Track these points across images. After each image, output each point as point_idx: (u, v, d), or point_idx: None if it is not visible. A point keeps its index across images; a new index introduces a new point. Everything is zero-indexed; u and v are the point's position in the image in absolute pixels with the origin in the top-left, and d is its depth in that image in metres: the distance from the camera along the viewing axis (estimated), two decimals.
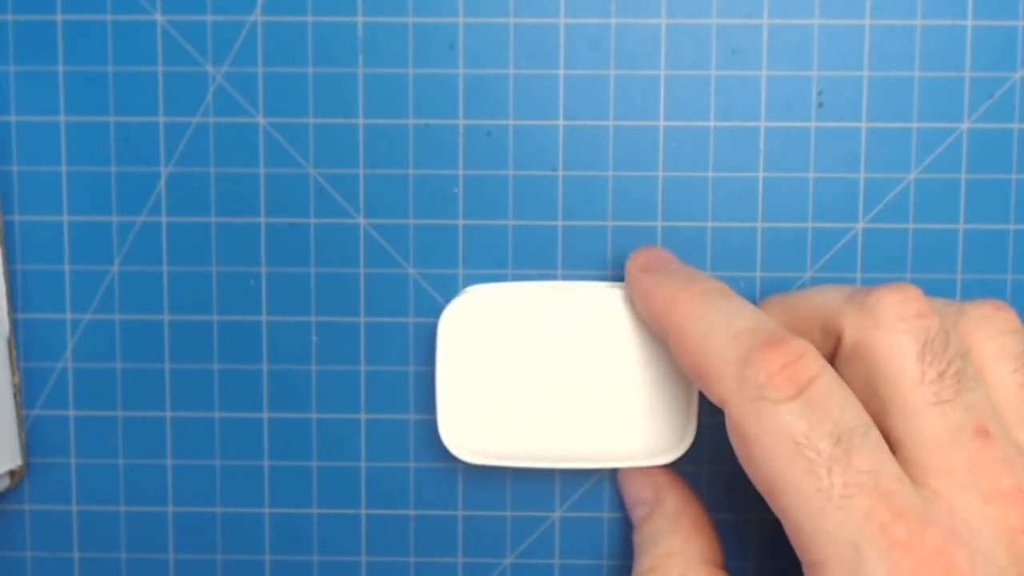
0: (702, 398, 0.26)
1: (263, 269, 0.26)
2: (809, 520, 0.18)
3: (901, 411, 0.19)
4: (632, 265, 0.23)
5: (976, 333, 0.21)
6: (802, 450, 0.18)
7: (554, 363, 0.24)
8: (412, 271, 0.26)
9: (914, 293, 0.20)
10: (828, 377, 0.19)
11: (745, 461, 0.19)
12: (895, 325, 0.19)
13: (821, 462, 0.18)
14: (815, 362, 0.19)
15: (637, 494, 0.25)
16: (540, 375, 0.24)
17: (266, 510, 0.27)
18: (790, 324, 0.22)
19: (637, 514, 0.25)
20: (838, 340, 0.21)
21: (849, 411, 0.18)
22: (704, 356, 0.20)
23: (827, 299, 0.21)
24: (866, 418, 0.19)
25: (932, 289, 0.26)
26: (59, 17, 0.26)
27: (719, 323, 0.20)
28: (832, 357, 0.21)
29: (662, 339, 0.22)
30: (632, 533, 0.25)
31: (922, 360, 0.19)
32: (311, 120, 0.26)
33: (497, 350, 0.24)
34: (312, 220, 0.26)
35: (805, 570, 0.19)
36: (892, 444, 0.19)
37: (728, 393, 0.19)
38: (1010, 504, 0.18)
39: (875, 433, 0.18)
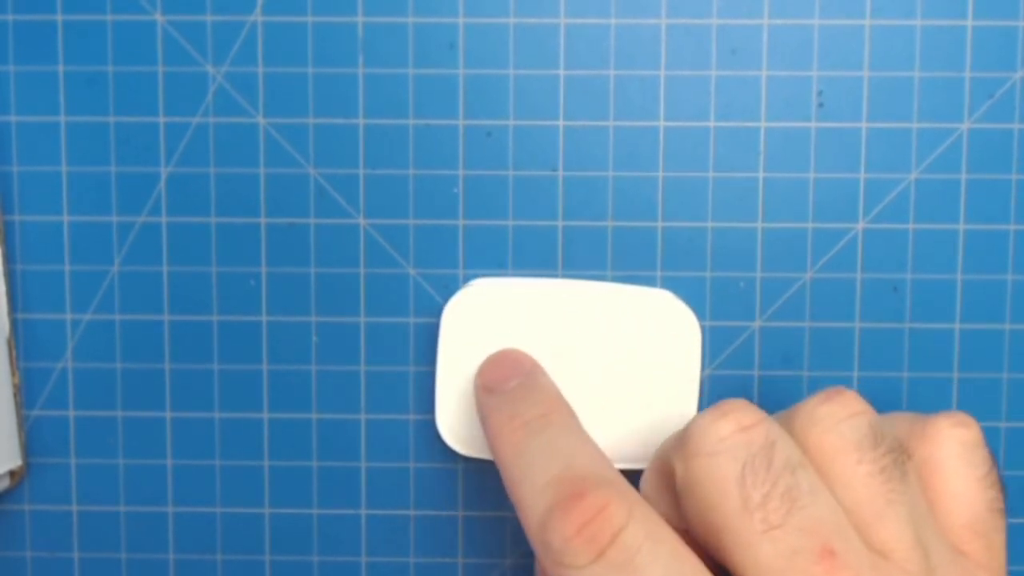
0: (702, 399, 0.26)
1: (263, 269, 0.26)
2: None
3: (733, 542, 0.17)
4: (478, 381, 0.23)
5: (812, 428, 0.18)
6: None
7: (554, 360, 0.24)
8: (412, 271, 0.26)
9: (735, 406, 0.18)
10: (634, 528, 0.17)
11: None
12: (714, 448, 0.18)
13: None
14: (618, 513, 0.17)
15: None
16: None
17: (266, 510, 0.27)
18: (662, 482, 0.20)
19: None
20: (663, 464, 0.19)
21: (659, 565, 0.17)
22: (518, 505, 0.19)
23: (665, 443, 0.20)
24: (686, 566, 0.17)
25: (932, 290, 0.26)
26: (59, 17, 0.26)
27: (528, 470, 0.19)
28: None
29: None
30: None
31: (742, 484, 0.17)
32: (311, 120, 0.26)
33: (498, 344, 0.24)
34: (312, 220, 0.26)
35: None
36: (735, 574, 0.18)
37: (537, 553, 0.18)
38: None
39: None
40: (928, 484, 0.19)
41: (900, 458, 0.18)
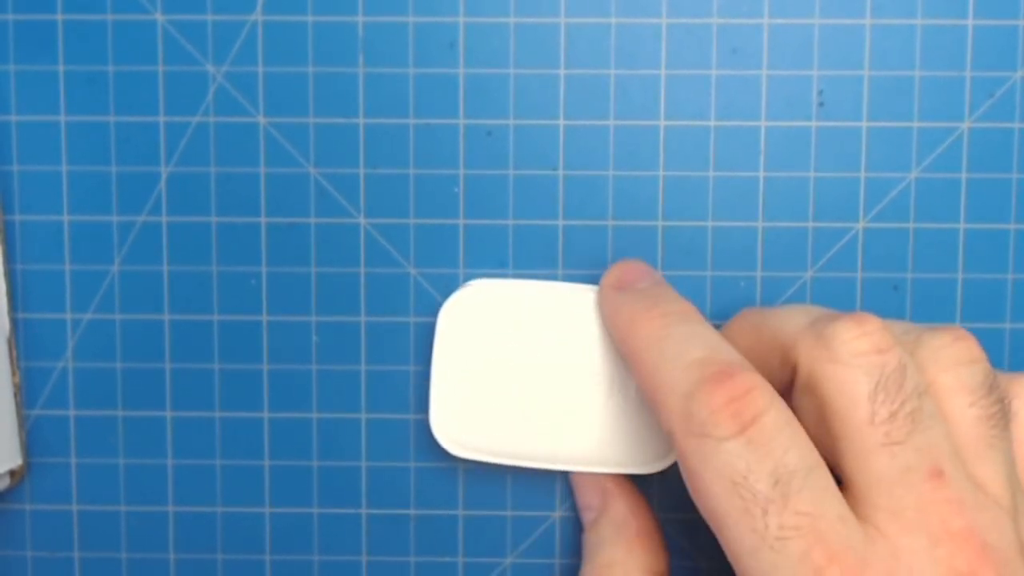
0: None
1: (263, 269, 0.26)
2: (745, 559, 0.18)
3: (851, 449, 0.19)
4: (605, 281, 0.23)
5: (933, 365, 0.20)
6: (739, 490, 0.18)
7: (551, 361, 0.24)
8: (412, 271, 0.26)
9: (873, 325, 0.19)
10: (775, 414, 0.18)
11: (692, 493, 0.19)
12: (850, 360, 0.19)
13: (757, 503, 0.17)
14: (762, 398, 0.18)
15: (585, 499, 0.25)
16: (536, 373, 0.24)
17: (266, 510, 0.27)
18: (753, 347, 0.22)
19: (586, 518, 0.25)
20: (795, 369, 0.20)
21: (793, 451, 0.18)
22: (655, 385, 0.20)
23: (788, 324, 0.21)
24: (812, 458, 0.18)
25: (932, 290, 0.26)
26: (59, 17, 0.26)
27: (672, 351, 0.20)
28: (790, 385, 0.21)
29: (625, 361, 0.22)
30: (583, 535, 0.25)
31: (874, 399, 0.18)
32: (311, 120, 0.26)
33: (494, 345, 0.24)
34: (312, 220, 0.26)
35: None
36: (843, 480, 0.19)
37: (674, 426, 0.19)
38: (958, 546, 0.17)
39: (820, 473, 0.18)
40: (1015, 433, 0.20)
41: (1005, 408, 0.20)
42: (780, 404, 0.19)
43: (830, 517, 0.17)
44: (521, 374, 0.24)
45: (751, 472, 0.18)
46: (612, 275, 0.23)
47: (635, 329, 0.21)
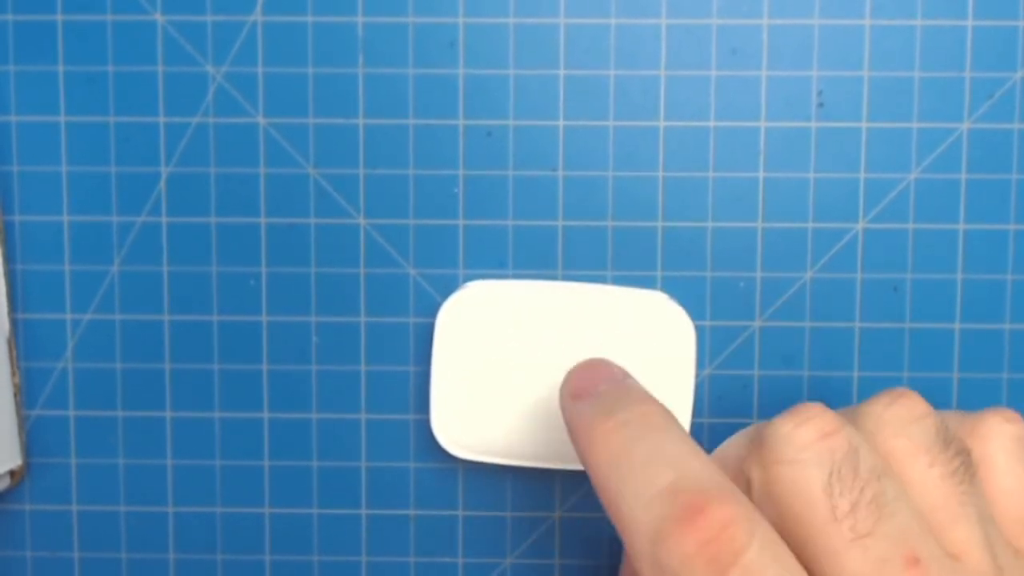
0: (701, 399, 0.26)
1: (263, 269, 0.26)
2: None
3: (820, 552, 0.17)
4: (563, 391, 0.21)
5: (882, 433, 0.18)
6: None
7: (551, 361, 0.24)
8: (412, 271, 0.26)
9: (814, 411, 0.17)
10: (758, 548, 0.16)
11: None
12: (796, 456, 0.17)
13: None
14: (742, 532, 0.16)
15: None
16: (536, 373, 0.24)
17: (266, 510, 0.27)
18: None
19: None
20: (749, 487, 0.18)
21: None
22: (618, 518, 0.17)
23: (734, 446, 0.19)
24: None
25: (932, 290, 0.26)
26: (59, 17, 0.26)
27: (633, 478, 0.17)
28: None
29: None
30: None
31: (830, 492, 0.17)
32: (311, 120, 0.26)
33: (494, 346, 0.24)
34: (312, 220, 0.26)
35: None
36: None
37: (643, 571, 0.17)
38: None
39: None
40: (985, 481, 0.19)
41: (967, 459, 0.18)
42: (763, 531, 0.16)
43: None
44: (521, 374, 0.24)
45: None
46: (570, 383, 0.21)
47: (593, 447, 0.18)
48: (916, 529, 0.17)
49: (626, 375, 0.21)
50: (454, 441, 0.24)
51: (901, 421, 0.18)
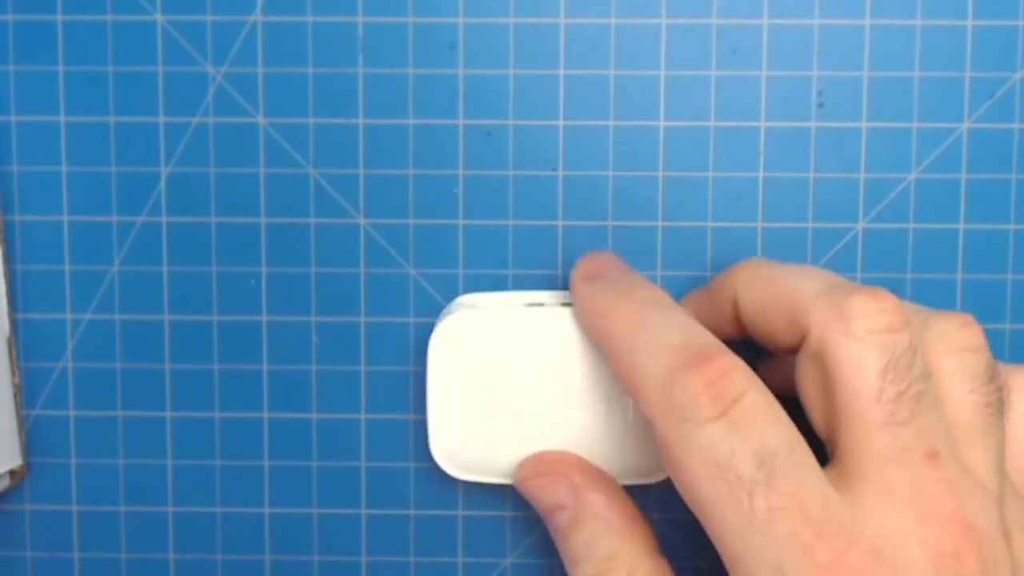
0: None
1: (263, 269, 0.26)
2: (733, 543, 0.18)
3: (852, 424, 0.19)
4: (575, 274, 0.23)
5: (938, 346, 0.20)
6: (723, 473, 0.18)
7: (547, 381, 0.23)
8: (412, 271, 0.26)
9: (890, 303, 0.19)
10: (754, 395, 0.18)
11: (675, 481, 0.19)
12: (864, 336, 0.19)
13: (742, 486, 0.17)
14: (741, 378, 0.18)
15: (553, 500, 0.23)
16: (532, 394, 0.24)
17: (266, 510, 0.27)
18: (762, 301, 0.21)
19: (559, 520, 0.23)
20: (803, 334, 0.20)
21: (774, 431, 0.18)
22: (632, 373, 0.20)
23: (803, 288, 0.20)
24: (793, 436, 0.18)
25: (932, 290, 0.26)
26: (59, 17, 0.26)
27: (648, 337, 0.20)
28: (793, 348, 0.21)
29: (601, 351, 0.21)
30: (556, 540, 0.23)
31: (883, 377, 0.18)
32: (311, 120, 0.26)
33: (488, 370, 0.23)
34: (312, 220, 0.26)
35: None
36: (836, 450, 0.19)
37: (654, 413, 0.19)
38: (946, 528, 0.18)
39: (802, 450, 0.18)
40: (1007, 424, 0.21)
41: (1002, 398, 0.20)
42: (758, 384, 0.19)
43: (815, 495, 0.18)
44: (517, 395, 0.23)
45: (735, 455, 0.18)
46: (581, 268, 0.23)
47: (609, 319, 0.21)
48: (942, 431, 0.19)
49: (630, 267, 0.23)
50: (456, 463, 0.24)
51: (960, 345, 0.20)
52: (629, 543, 0.22)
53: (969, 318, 0.20)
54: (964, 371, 0.20)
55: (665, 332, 0.20)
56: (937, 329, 0.20)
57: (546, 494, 0.23)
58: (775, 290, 0.21)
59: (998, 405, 0.20)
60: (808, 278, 0.21)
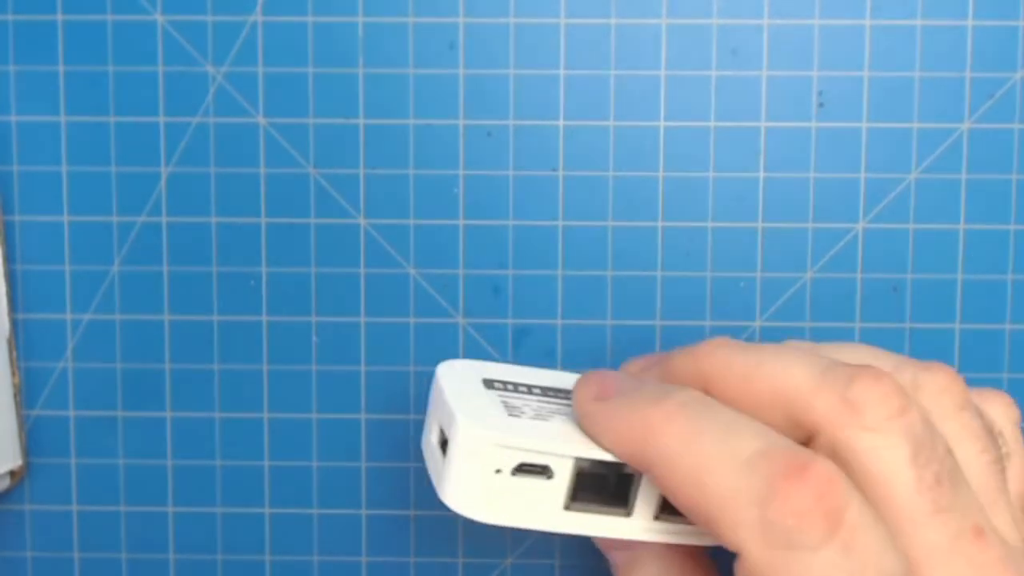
0: None
1: (263, 269, 0.26)
2: None
3: (900, 519, 0.17)
4: (583, 397, 0.20)
5: (936, 411, 0.19)
6: None
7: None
8: (412, 271, 0.26)
9: (893, 385, 0.18)
10: (858, 506, 0.16)
11: None
12: (882, 425, 0.17)
13: None
14: (845, 488, 0.16)
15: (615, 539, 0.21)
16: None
17: (266, 510, 0.27)
18: (744, 398, 0.19)
19: (619, 558, 0.21)
20: (810, 434, 0.18)
21: (888, 553, 0.16)
22: (707, 495, 0.17)
23: (792, 381, 0.18)
24: (903, 557, 0.16)
25: (932, 290, 0.26)
26: (59, 17, 0.26)
27: (717, 449, 0.17)
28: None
29: (649, 476, 0.18)
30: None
31: (916, 464, 0.17)
32: (311, 120, 0.26)
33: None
34: (312, 220, 0.26)
35: None
36: None
37: (746, 539, 0.16)
38: None
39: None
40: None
41: (1001, 446, 0.20)
42: (858, 492, 0.16)
43: None
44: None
45: None
46: (589, 388, 0.20)
47: (654, 435, 0.17)
48: (979, 505, 0.17)
49: (642, 378, 0.20)
50: (476, 509, 0.20)
51: (957, 405, 0.19)
52: None
53: (952, 371, 0.19)
54: (969, 433, 0.19)
55: (737, 437, 0.17)
56: (929, 391, 0.19)
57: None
58: (760, 386, 0.18)
59: (1003, 458, 0.19)
60: (793, 366, 0.18)
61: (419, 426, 0.26)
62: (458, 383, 0.21)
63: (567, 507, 0.19)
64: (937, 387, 0.19)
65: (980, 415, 0.19)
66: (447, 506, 0.19)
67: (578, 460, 0.19)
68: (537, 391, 0.22)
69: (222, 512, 0.27)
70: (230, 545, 0.27)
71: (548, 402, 0.21)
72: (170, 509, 0.27)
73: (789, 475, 0.16)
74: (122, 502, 0.27)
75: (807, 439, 0.18)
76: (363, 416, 0.26)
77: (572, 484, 0.19)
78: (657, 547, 0.20)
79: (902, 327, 0.26)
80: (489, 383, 0.21)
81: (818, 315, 0.26)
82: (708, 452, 0.17)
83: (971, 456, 0.18)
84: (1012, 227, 0.26)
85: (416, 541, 0.27)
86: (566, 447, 0.18)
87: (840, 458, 0.17)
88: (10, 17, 0.26)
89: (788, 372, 0.18)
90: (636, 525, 0.19)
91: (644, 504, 0.19)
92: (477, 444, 0.18)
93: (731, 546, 0.16)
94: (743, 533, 0.16)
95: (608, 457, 0.18)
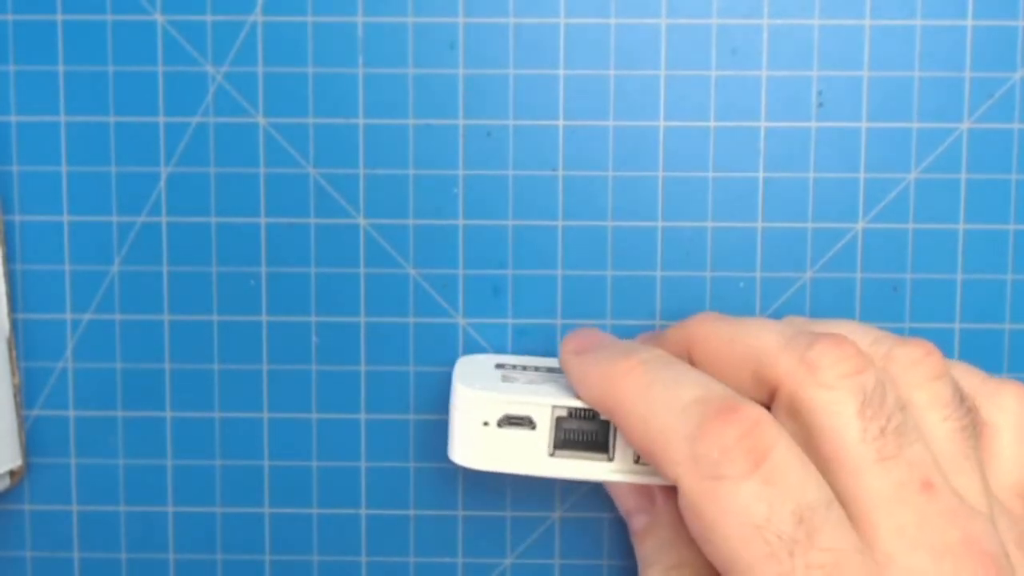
0: None
1: (263, 269, 0.26)
2: None
3: (845, 469, 0.18)
4: (566, 349, 0.22)
5: (906, 380, 0.20)
6: (762, 533, 0.17)
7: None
8: (412, 271, 0.26)
9: (851, 348, 0.19)
10: (784, 447, 0.18)
11: (700, 540, 0.18)
12: (835, 382, 0.19)
13: (782, 545, 0.17)
14: (771, 430, 0.18)
15: (632, 503, 0.24)
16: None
17: (266, 510, 0.27)
18: (722, 359, 0.21)
19: (637, 523, 0.24)
20: (772, 390, 0.20)
21: (811, 485, 0.18)
22: (651, 435, 0.19)
23: (762, 343, 0.20)
24: (825, 488, 0.18)
25: (932, 290, 0.26)
26: (59, 17, 0.26)
27: (663, 396, 0.19)
28: (765, 403, 0.20)
29: (609, 418, 0.21)
30: (632, 540, 0.24)
31: (862, 416, 0.18)
32: (311, 120, 0.26)
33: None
34: (312, 220, 0.26)
35: None
36: (839, 500, 0.19)
37: (680, 472, 0.18)
38: (959, 558, 0.18)
39: (836, 504, 0.18)
40: (985, 443, 0.21)
41: (975, 418, 0.20)
42: (786, 435, 0.18)
43: (850, 550, 0.17)
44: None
45: (773, 514, 0.17)
46: (570, 344, 0.22)
47: (615, 384, 0.20)
48: (931, 460, 0.19)
49: (618, 338, 0.23)
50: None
51: (927, 375, 0.20)
52: (699, 554, 0.21)
53: (929, 346, 0.20)
54: (935, 400, 0.20)
55: (681, 386, 0.19)
56: (901, 363, 0.20)
57: (625, 499, 0.24)
58: (735, 348, 0.21)
59: (972, 427, 0.20)
60: (766, 331, 0.20)
61: (419, 426, 0.26)
62: (471, 366, 0.24)
63: (552, 454, 0.22)
64: (909, 359, 0.20)
65: (955, 387, 0.20)
66: (452, 461, 0.22)
67: (555, 407, 0.22)
68: (543, 370, 0.24)
69: (222, 512, 0.27)
70: (230, 545, 0.27)
71: (547, 377, 0.24)
72: (170, 509, 0.27)
73: (718, 415, 0.18)
74: (122, 502, 0.27)
75: (770, 397, 0.20)
76: (363, 416, 0.26)
77: (553, 431, 0.22)
78: (672, 514, 0.22)
79: (902, 327, 0.26)
80: (500, 365, 0.24)
81: (818, 315, 0.26)
82: (655, 399, 0.19)
83: (934, 423, 0.20)
84: (1011, 227, 0.26)
85: (416, 541, 0.27)
86: (544, 398, 0.22)
87: (796, 412, 0.19)
88: (10, 17, 0.26)
89: (760, 337, 0.20)
90: (617, 468, 0.22)
91: (623, 450, 0.21)
92: (466, 401, 0.22)
93: (671, 479, 0.18)
94: (679, 468, 0.18)
95: (580, 404, 0.21)
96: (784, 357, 0.19)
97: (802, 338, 0.20)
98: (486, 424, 0.22)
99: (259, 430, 0.26)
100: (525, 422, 0.22)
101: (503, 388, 0.22)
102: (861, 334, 0.21)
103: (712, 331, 0.21)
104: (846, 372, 0.19)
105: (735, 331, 0.21)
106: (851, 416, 0.18)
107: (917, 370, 0.20)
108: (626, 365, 0.20)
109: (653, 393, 0.19)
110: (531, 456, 0.22)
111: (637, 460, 0.21)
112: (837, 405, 0.19)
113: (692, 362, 0.22)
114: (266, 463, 0.27)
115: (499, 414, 0.22)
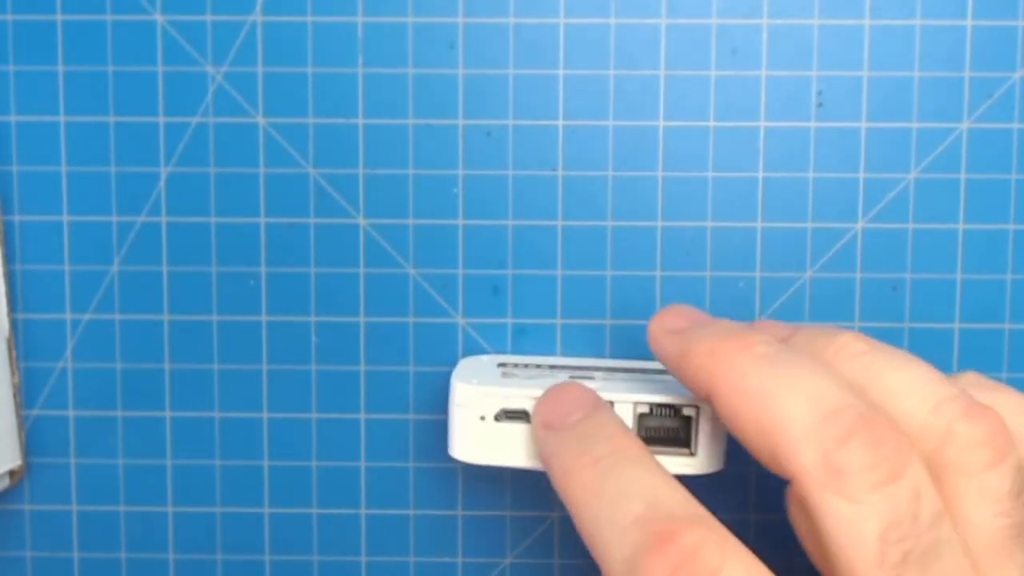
0: None
1: (263, 269, 0.26)
2: None
3: None
4: (535, 420, 0.21)
5: (961, 464, 0.17)
6: None
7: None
8: (412, 271, 0.26)
9: (892, 447, 0.16)
10: (731, 571, 0.16)
11: None
12: (862, 495, 0.16)
13: None
14: (714, 555, 0.16)
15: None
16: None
17: (266, 510, 0.27)
18: (740, 424, 0.18)
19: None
20: (788, 476, 0.18)
21: None
22: (594, 549, 0.18)
23: (787, 417, 0.17)
24: None
25: (931, 290, 0.26)
26: (59, 17, 0.26)
27: (606, 511, 0.18)
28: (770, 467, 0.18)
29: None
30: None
31: (885, 540, 0.16)
32: (311, 120, 0.26)
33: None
34: (312, 220, 0.26)
35: None
36: None
37: None
38: None
39: None
40: None
41: None
42: (735, 552, 0.16)
43: None
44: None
45: None
46: (541, 411, 0.21)
47: (568, 483, 0.19)
48: (960, 572, 0.16)
49: (597, 403, 0.21)
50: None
51: (984, 464, 0.17)
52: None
53: (996, 422, 0.18)
54: (989, 494, 0.17)
55: (624, 501, 0.18)
56: (960, 445, 0.17)
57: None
58: (759, 418, 0.18)
59: (1023, 521, 0.17)
60: (803, 399, 0.17)
61: (419, 426, 0.26)
62: (472, 366, 0.24)
63: None
64: (971, 441, 0.18)
65: (1016, 475, 0.18)
66: (452, 457, 0.23)
67: None
68: (546, 367, 0.25)
69: (222, 512, 0.27)
70: (230, 545, 0.27)
71: (547, 373, 0.24)
72: (170, 509, 0.27)
73: (653, 545, 0.16)
74: (122, 502, 0.27)
75: (783, 474, 0.18)
76: (363, 416, 0.26)
77: None
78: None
79: (901, 327, 0.26)
80: (502, 364, 0.25)
81: (817, 315, 0.26)
82: (600, 511, 0.18)
83: (982, 518, 0.17)
84: (1011, 227, 0.26)
85: (416, 541, 0.27)
86: (537, 392, 0.22)
87: (809, 511, 0.17)
88: (10, 17, 0.26)
89: (789, 407, 0.17)
90: None
91: None
92: (463, 396, 0.22)
93: None
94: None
95: None
96: (808, 451, 0.17)
97: (834, 426, 0.17)
98: (483, 419, 0.22)
99: (259, 430, 0.26)
100: (521, 416, 0.22)
101: (500, 383, 0.22)
102: (931, 391, 0.18)
103: (741, 392, 0.18)
104: (878, 482, 0.16)
105: (767, 387, 0.18)
106: (872, 537, 0.16)
107: (977, 454, 0.17)
108: (580, 462, 0.19)
109: (597, 503, 0.18)
110: (528, 450, 0.22)
111: None
112: (859, 523, 0.16)
113: (709, 399, 0.19)
114: (266, 463, 0.27)
115: (495, 408, 0.22)
